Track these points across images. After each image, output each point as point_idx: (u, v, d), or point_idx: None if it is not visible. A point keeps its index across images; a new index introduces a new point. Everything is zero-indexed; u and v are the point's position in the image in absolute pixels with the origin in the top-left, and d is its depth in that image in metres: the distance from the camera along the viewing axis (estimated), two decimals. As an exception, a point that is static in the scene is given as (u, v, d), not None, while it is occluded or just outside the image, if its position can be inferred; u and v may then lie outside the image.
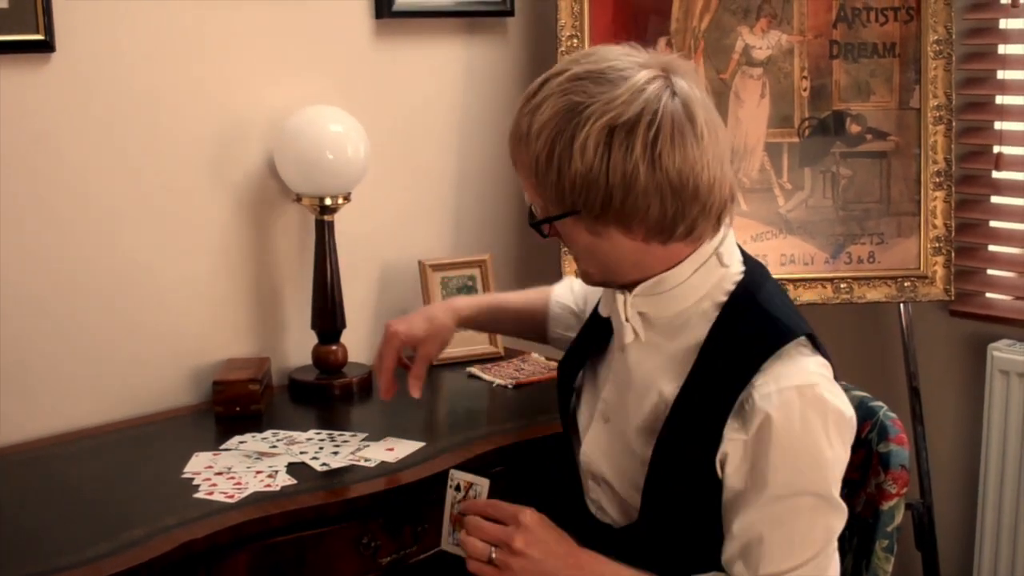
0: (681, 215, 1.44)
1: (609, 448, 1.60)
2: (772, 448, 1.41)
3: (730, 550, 1.46)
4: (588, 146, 1.40)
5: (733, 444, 1.44)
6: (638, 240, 1.47)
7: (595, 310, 1.72)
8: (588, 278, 1.58)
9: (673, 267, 1.50)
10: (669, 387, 1.51)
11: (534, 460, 1.81)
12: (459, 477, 1.59)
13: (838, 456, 1.45)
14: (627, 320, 1.54)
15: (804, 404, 1.42)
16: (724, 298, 1.51)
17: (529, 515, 1.49)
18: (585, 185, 1.42)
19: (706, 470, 1.45)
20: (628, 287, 1.53)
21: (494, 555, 1.48)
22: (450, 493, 1.58)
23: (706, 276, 1.51)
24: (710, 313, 1.50)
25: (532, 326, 2.01)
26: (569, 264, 2.50)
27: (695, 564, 1.49)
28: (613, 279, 1.54)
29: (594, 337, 1.70)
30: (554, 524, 1.52)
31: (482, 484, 1.58)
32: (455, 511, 1.58)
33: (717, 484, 1.46)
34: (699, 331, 1.50)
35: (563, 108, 1.42)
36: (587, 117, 1.41)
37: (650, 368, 1.54)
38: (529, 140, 1.45)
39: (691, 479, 1.47)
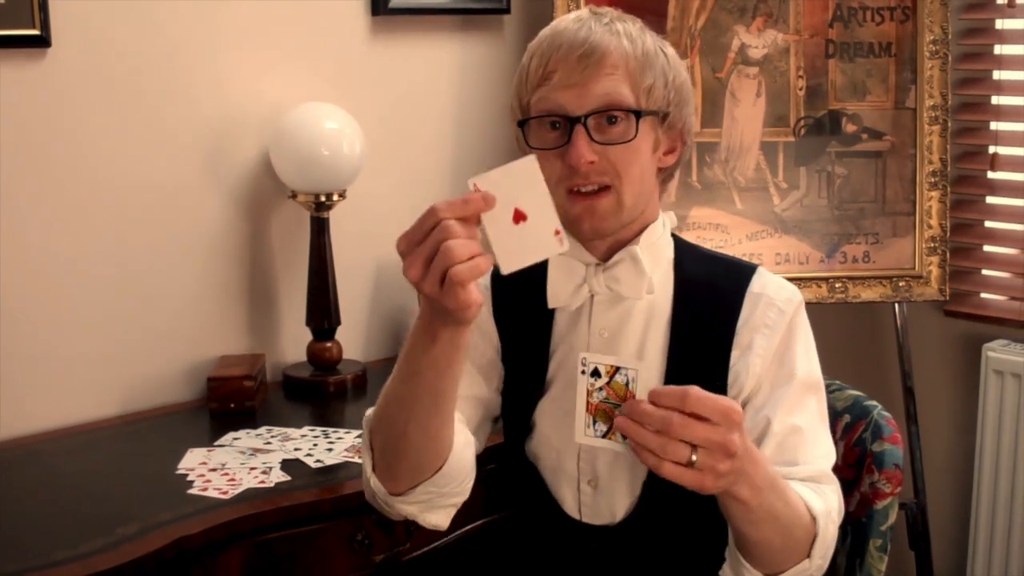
0: (682, 157, 1.59)
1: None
2: (797, 341, 1.53)
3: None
4: (678, 58, 1.54)
5: (757, 356, 1.52)
6: (666, 166, 1.56)
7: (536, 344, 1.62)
8: (601, 219, 1.51)
9: (653, 221, 1.58)
10: (658, 336, 1.55)
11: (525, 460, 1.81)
12: (595, 360, 1.33)
13: None
14: (648, 272, 1.54)
15: (804, 306, 1.57)
16: (672, 254, 1.59)
17: (740, 412, 1.28)
18: (681, 86, 1.53)
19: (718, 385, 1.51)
20: (610, 251, 1.55)
21: (695, 457, 1.25)
22: (583, 380, 1.33)
23: (665, 233, 1.59)
24: (666, 269, 1.58)
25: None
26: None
27: (711, 521, 1.47)
28: (620, 219, 1.52)
29: (538, 365, 1.62)
30: None
31: (634, 369, 1.32)
32: (595, 400, 1.33)
33: None
34: (663, 288, 1.56)
35: (641, 25, 1.53)
36: (658, 38, 1.54)
37: (632, 331, 1.56)
38: (632, 38, 1.49)
39: None
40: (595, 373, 1.32)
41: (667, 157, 1.55)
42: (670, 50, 1.54)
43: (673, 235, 1.62)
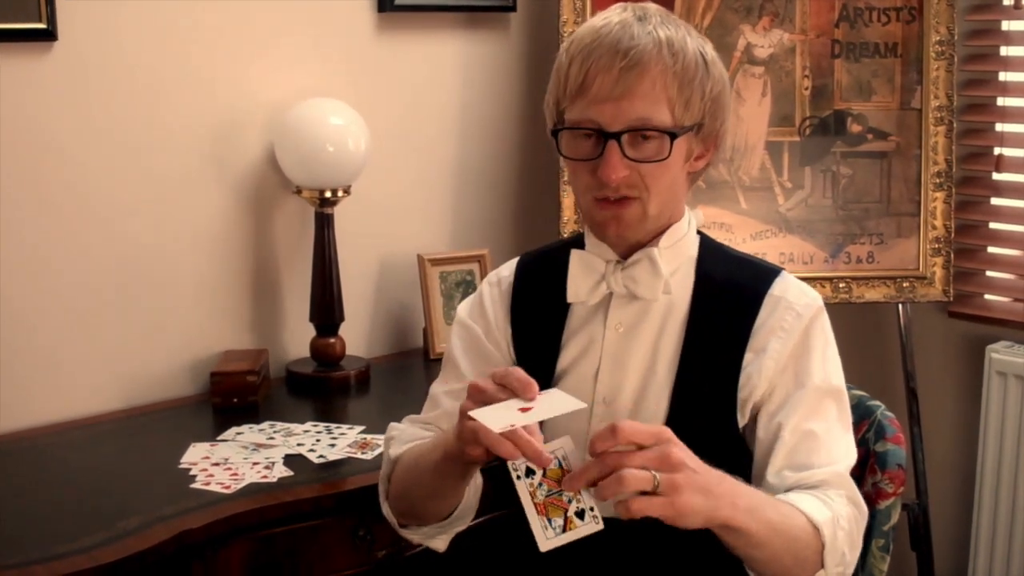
0: (715, 160, 1.58)
1: None
2: (814, 346, 1.52)
3: (776, 464, 1.48)
4: (718, 62, 1.51)
5: (770, 360, 1.50)
6: (696, 170, 1.56)
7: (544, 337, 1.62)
8: (626, 227, 1.52)
9: (678, 220, 1.57)
10: (673, 333, 1.54)
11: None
12: (524, 460, 1.30)
13: None
14: (665, 275, 1.53)
15: (825, 312, 1.56)
16: (695, 252, 1.58)
17: (668, 430, 1.31)
18: (718, 96, 1.50)
19: (726, 400, 1.50)
20: (631, 249, 1.55)
21: (659, 479, 1.26)
22: (523, 484, 1.30)
23: (690, 231, 1.58)
24: (687, 267, 1.57)
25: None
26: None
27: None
28: (645, 227, 1.53)
29: (549, 355, 1.62)
30: None
31: (561, 448, 1.32)
32: (540, 498, 1.30)
33: (734, 417, 1.51)
34: (683, 287, 1.55)
35: (684, 28, 1.49)
36: (700, 40, 1.50)
37: (648, 327, 1.55)
38: (673, 49, 1.46)
39: (712, 411, 1.51)
40: (529, 472, 1.31)
41: (698, 162, 1.55)
42: (710, 52, 1.51)
43: (701, 233, 1.61)
